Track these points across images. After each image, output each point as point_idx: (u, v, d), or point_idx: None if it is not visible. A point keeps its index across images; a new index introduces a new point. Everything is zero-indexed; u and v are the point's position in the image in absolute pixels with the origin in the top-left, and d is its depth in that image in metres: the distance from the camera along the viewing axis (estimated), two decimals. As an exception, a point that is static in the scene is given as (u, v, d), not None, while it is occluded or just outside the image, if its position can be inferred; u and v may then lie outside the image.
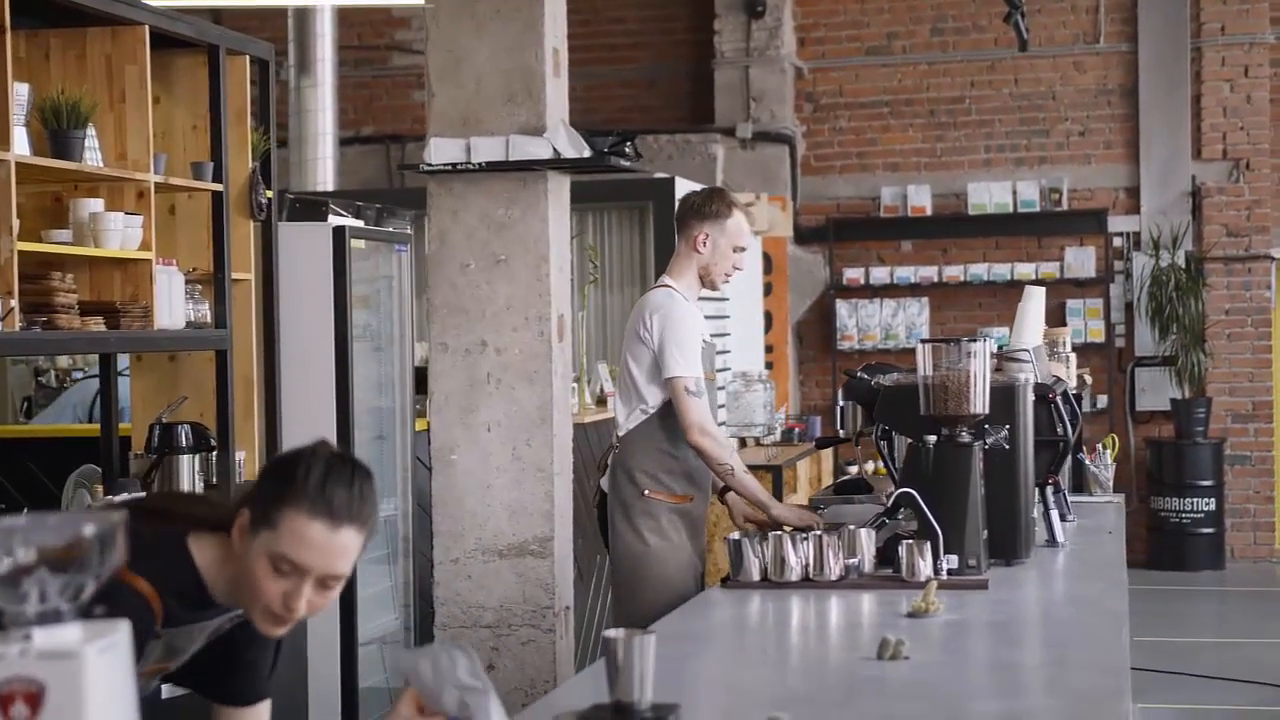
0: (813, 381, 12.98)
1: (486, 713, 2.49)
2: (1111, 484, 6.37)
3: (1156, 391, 12.41)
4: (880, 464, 12.12)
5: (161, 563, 2.58)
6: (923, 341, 4.39)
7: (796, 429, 11.11)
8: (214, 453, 5.51)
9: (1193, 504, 12.07)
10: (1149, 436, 12.47)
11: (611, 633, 2.71)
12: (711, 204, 5.24)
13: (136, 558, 2.46)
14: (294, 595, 2.53)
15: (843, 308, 12.77)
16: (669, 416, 5.12)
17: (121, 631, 1.78)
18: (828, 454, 11.19)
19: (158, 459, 5.35)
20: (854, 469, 12.26)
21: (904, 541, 4.18)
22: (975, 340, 4.35)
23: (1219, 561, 12.15)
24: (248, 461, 5.78)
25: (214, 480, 5.54)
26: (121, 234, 4.95)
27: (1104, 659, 3.22)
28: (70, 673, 1.71)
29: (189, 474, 5.36)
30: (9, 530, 1.73)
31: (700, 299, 9.06)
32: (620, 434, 5.24)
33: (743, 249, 5.26)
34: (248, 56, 5.80)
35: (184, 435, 5.36)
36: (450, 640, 2.49)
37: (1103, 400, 12.38)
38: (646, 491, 5.13)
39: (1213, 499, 12.09)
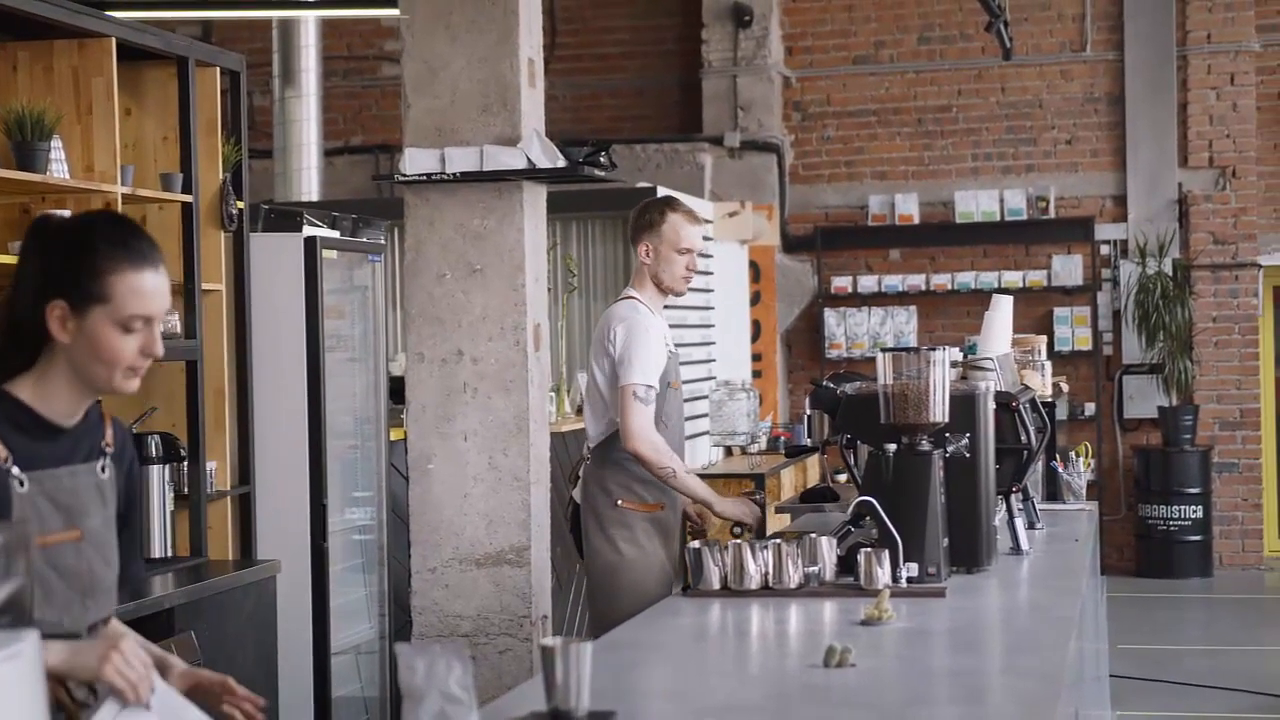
0: (801, 390, 12.98)
1: None
2: (1084, 492, 6.37)
3: (1144, 399, 12.42)
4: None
5: None
6: (883, 350, 4.41)
7: (783, 437, 11.12)
8: (184, 463, 5.52)
9: (1180, 511, 12.08)
10: (1137, 444, 12.47)
11: (548, 641, 2.74)
12: (645, 214, 5.35)
13: None
14: (149, 343, 2.69)
15: (831, 316, 12.79)
16: None
17: (28, 642, 1.80)
18: (814, 462, 11.20)
19: (128, 469, 5.36)
20: (843, 477, 12.27)
21: (863, 550, 4.19)
22: (935, 349, 4.37)
23: (1207, 569, 12.15)
24: (219, 472, 5.79)
25: (185, 491, 5.55)
26: (88, 245, 4.96)
27: (1045, 666, 3.24)
28: (-28, 682, 1.72)
29: (159, 484, 5.37)
30: (-88, 541, 1.75)
31: (682, 307, 9.09)
32: (591, 445, 5.32)
33: (688, 250, 5.32)
34: (218, 68, 5.82)
35: (154, 446, 5.37)
36: (455, 646, 2.53)
37: (1090, 408, 12.39)
38: (620, 502, 5.21)
39: (1200, 506, 12.10)
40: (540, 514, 5.81)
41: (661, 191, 9.87)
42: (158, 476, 5.38)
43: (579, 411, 7.98)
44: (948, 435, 4.42)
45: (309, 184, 10.53)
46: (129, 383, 2.71)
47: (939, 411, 4.33)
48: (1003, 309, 5.48)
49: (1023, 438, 4.94)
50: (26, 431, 2.66)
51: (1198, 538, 12.11)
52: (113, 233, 2.69)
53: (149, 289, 2.67)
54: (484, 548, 5.63)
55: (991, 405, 4.62)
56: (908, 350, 4.39)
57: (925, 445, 4.35)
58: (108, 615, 2.78)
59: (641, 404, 5.10)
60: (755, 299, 12.26)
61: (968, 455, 4.47)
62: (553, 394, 8.21)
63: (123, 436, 2.87)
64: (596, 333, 5.35)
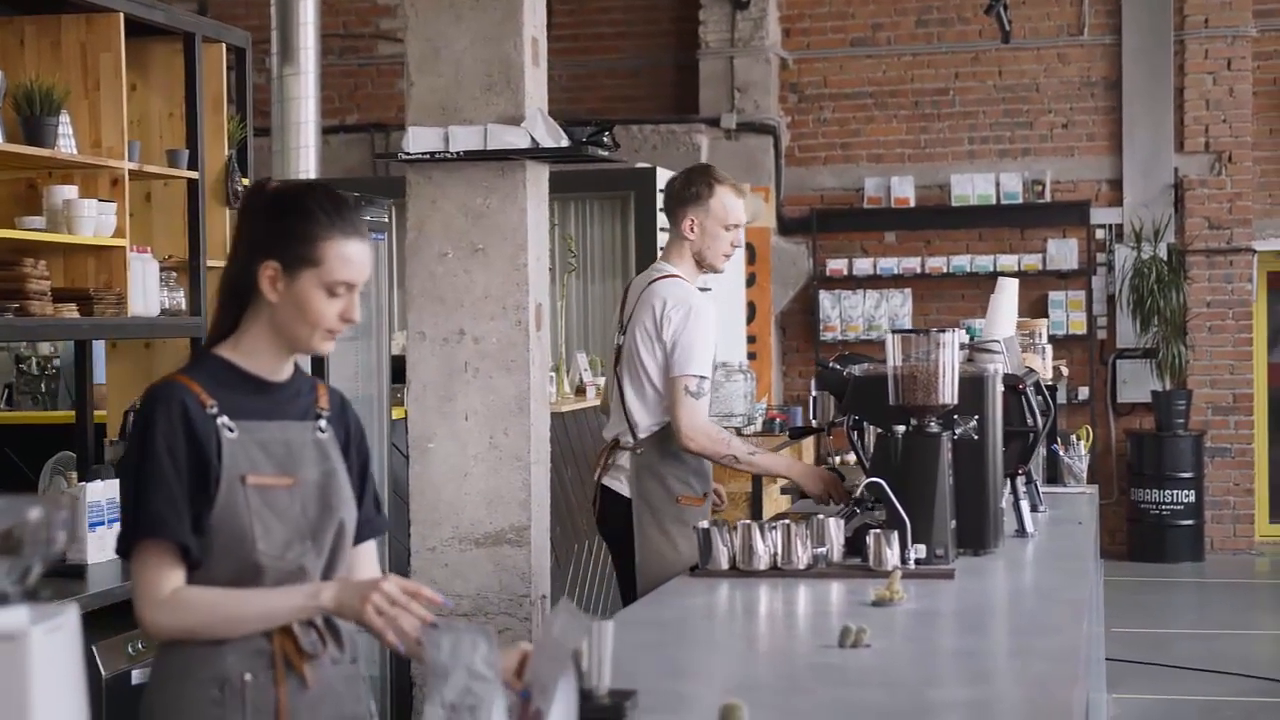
0: (795, 372, 13.00)
1: (489, 707, 2.52)
2: (1085, 475, 6.38)
3: (1138, 383, 12.45)
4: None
5: (194, 367, 2.87)
6: (893, 332, 4.41)
7: (779, 419, 11.13)
8: (188, 439, 5.50)
9: (1173, 496, 12.11)
10: (1130, 428, 12.50)
11: (568, 619, 2.73)
12: (691, 186, 5.08)
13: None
14: (348, 308, 2.82)
15: (826, 299, 12.80)
16: None
17: (69, 615, 1.80)
18: (809, 444, 11.22)
19: (132, 446, 5.34)
20: (836, 459, 12.28)
21: (871, 531, 4.20)
22: (944, 331, 4.37)
23: (1198, 553, 12.19)
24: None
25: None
26: (95, 221, 4.95)
27: (1060, 647, 3.25)
28: (16, 654, 1.72)
29: (163, 461, 5.36)
30: (-46, 513, 1.75)
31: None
32: (640, 435, 5.04)
33: (735, 225, 5.07)
34: (224, 44, 5.80)
35: (158, 423, 5.35)
36: (480, 624, 2.58)
37: (1084, 392, 12.42)
38: (679, 498, 5.00)
39: (1193, 491, 12.13)
40: (540, 494, 5.81)
41: (664, 174, 9.88)
42: (162, 453, 5.36)
43: (579, 392, 7.97)
44: (956, 417, 4.42)
45: (306, 162, 10.45)
46: (325, 345, 2.84)
47: (948, 393, 4.34)
48: (1008, 292, 5.48)
49: (1029, 420, 4.95)
50: (232, 386, 2.82)
51: (1190, 522, 12.15)
52: (328, 202, 2.82)
53: (356, 257, 2.81)
54: (484, 527, 5.63)
55: (1000, 388, 4.63)
56: (917, 332, 4.39)
57: (934, 427, 4.35)
58: (335, 560, 2.88)
59: (693, 398, 4.86)
60: (750, 281, 12.25)
61: (976, 437, 4.47)
62: (552, 374, 8.20)
63: (339, 402, 2.99)
64: (637, 313, 5.05)
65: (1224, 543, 12.45)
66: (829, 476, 4.93)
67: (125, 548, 2.77)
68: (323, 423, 2.91)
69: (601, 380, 8.22)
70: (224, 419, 2.78)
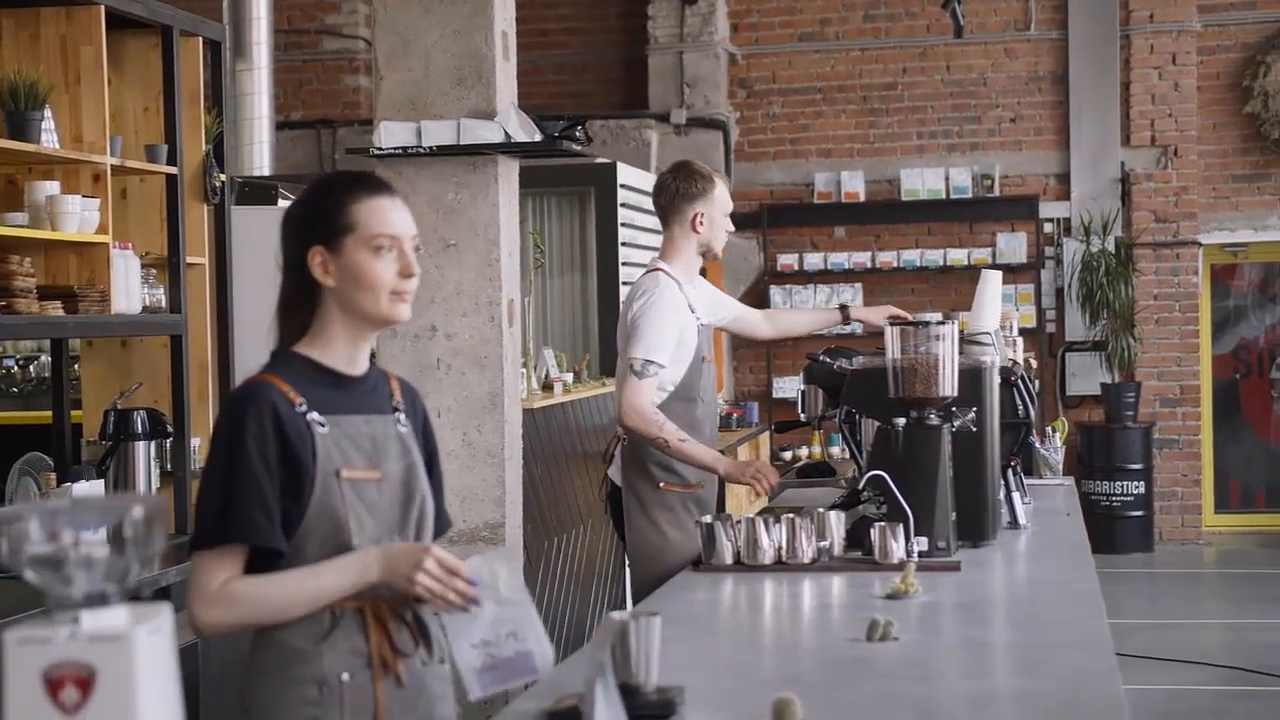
0: (747, 368, 13.02)
1: (528, 625, 2.50)
2: (1061, 467, 6.42)
3: (1087, 376, 12.55)
4: (819, 448, 12.12)
5: (276, 365, 2.83)
6: (891, 324, 4.41)
7: (734, 415, 11.17)
8: (169, 439, 5.44)
9: (1122, 487, 12.21)
10: (1079, 420, 12.59)
11: (618, 615, 2.71)
12: (695, 183, 5.18)
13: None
14: (404, 265, 2.80)
15: (777, 294, 12.81)
16: (677, 404, 5.03)
17: (165, 615, 1.76)
18: (765, 439, 11.25)
19: (113, 446, 5.28)
20: (787, 455, 12.31)
21: (876, 524, 4.19)
22: (944, 323, 4.37)
23: (1148, 544, 12.30)
24: (203, 447, 5.71)
25: (169, 467, 5.47)
26: (79, 217, 4.88)
27: (1089, 639, 3.25)
28: (120, 655, 1.69)
29: (144, 460, 5.30)
30: (55, 513, 1.71)
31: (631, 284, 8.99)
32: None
33: (729, 211, 5.28)
34: (201, 38, 5.73)
35: (139, 421, 5.29)
36: (493, 555, 2.59)
37: (1034, 385, 12.48)
38: (662, 484, 5.06)
39: (1142, 482, 12.23)
40: (514, 491, 5.79)
41: (623, 169, 9.86)
42: (143, 453, 5.30)
43: (546, 388, 7.94)
44: (954, 409, 4.42)
45: (261, 159, 10.37)
46: (396, 308, 2.81)
47: (948, 385, 4.34)
48: (993, 283, 5.49)
49: (1020, 411, 4.97)
50: (315, 381, 2.80)
51: (1139, 513, 12.26)
52: (344, 176, 2.87)
53: (388, 211, 2.80)
54: (458, 525, 5.61)
55: (996, 379, 4.64)
56: (917, 324, 4.38)
57: (934, 419, 4.35)
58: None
59: (636, 378, 4.93)
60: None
61: (974, 429, 4.47)
62: (521, 371, 8.17)
63: (411, 393, 2.97)
64: (623, 309, 5.18)
65: (1173, 533, 12.56)
66: (759, 464, 5.04)
67: (203, 545, 2.71)
68: (402, 416, 2.89)
69: (569, 376, 8.20)
70: (314, 415, 2.76)
